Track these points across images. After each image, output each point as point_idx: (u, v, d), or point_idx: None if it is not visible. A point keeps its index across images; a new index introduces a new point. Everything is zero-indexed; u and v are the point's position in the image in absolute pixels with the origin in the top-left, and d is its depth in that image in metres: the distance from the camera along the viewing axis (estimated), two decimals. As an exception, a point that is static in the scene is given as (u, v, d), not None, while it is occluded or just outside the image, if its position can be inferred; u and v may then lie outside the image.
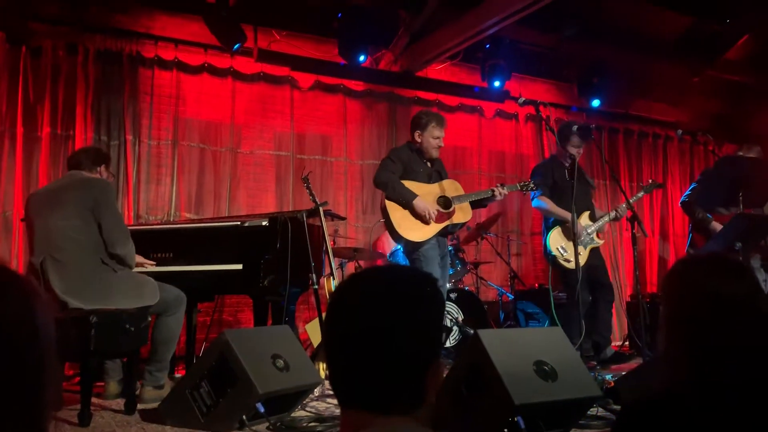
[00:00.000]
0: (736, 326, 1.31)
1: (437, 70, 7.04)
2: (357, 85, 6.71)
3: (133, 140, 5.67)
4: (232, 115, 6.13)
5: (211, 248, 4.27)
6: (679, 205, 5.50)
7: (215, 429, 3.00)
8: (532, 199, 5.22)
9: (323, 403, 3.65)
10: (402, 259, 5.09)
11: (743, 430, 1.26)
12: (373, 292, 1.13)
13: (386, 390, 1.08)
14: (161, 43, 5.82)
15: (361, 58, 6.20)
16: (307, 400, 3.51)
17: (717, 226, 5.01)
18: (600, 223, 5.20)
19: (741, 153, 5.31)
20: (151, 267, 4.09)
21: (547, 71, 7.62)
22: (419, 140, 4.52)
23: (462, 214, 4.49)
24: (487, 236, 6.52)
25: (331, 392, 3.63)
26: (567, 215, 4.94)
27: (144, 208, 5.67)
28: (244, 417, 2.94)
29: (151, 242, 4.32)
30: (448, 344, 5.56)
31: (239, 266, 4.16)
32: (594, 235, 5.17)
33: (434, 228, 4.37)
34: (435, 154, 4.56)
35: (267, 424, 3.05)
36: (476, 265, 6.33)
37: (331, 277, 4.78)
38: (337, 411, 3.10)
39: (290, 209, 6.09)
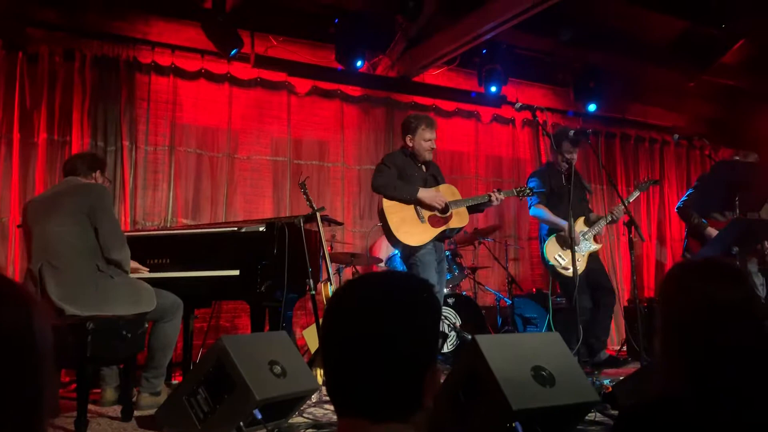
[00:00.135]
0: (732, 331, 1.31)
1: (434, 76, 7.05)
2: (354, 91, 6.72)
3: (129, 146, 5.67)
4: (229, 120, 6.14)
5: (208, 254, 4.26)
6: (676, 210, 5.51)
7: (212, 436, 2.98)
8: (530, 207, 5.23)
9: (320, 409, 3.64)
10: (400, 264, 5.09)
11: (740, 436, 1.26)
12: (370, 299, 1.13)
13: (384, 396, 1.08)
14: (158, 48, 5.83)
15: (358, 63, 6.21)
16: (304, 406, 3.51)
17: (712, 231, 5.02)
18: (597, 226, 5.20)
19: (738, 157, 5.32)
20: (146, 273, 4.08)
21: (544, 76, 7.64)
22: (411, 144, 4.51)
23: (459, 218, 4.48)
24: (485, 241, 6.53)
25: (328, 398, 3.63)
26: (562, 224, 4.95)
27: (141, 214, 5.66)
28: (241, 423, 2.93)
29: (148, 248, 4.31)
30: (445, 349, 5.55)
31: (236, 272, 4.15)
32: (591, 240, 5.17)
33: (431, 232, 4.36)
34: (428, 156, 4.55)
35: (264, 430, 3.04)
36: (474, 270, 6.33)
37: (329, 283, 4.77)
38: (335, 417, 3.09)
39: (287, 215, 6.08)
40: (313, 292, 4.30)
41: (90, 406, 3.39)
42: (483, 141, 7.43)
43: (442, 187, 4.57)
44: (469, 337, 5.12)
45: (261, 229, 4.22)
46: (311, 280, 4.30)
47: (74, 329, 3.20)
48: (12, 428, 0.85)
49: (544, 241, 5.14)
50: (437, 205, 4.32)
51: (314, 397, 3.71)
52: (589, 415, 3.06)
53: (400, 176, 4.42)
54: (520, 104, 4.57)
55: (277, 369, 3.12)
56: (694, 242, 5.24)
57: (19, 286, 0.93)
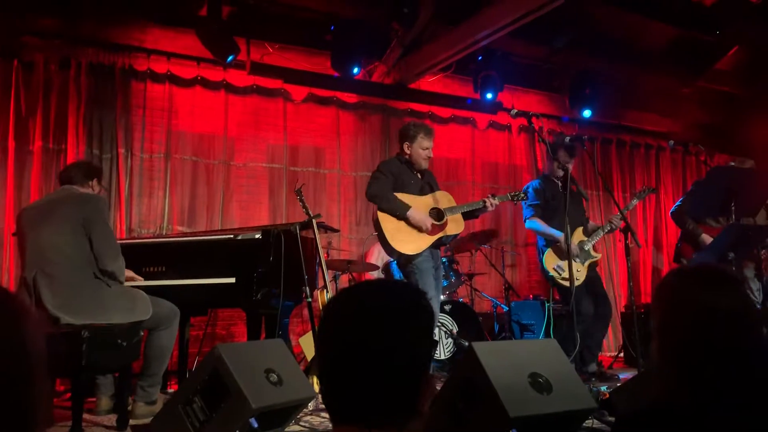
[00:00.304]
0: (727, 337, 1.31)
1: (430, 82, 7.07)
2: (350, 98, 6.73)
3: (125, 153, 5.66)
4: (225, 127, 6.13)
5: (203, 262, 4.25)
6: (670, 215, 5.52)
7: (208, 444, 2.96)
8: (525, 220, 5.23)
9: (317, 417, 3.63)
10: (397, 272, 5.08)
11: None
12: (365, 307, 1.13)
13: (379, 403, 1.08)
14: (154, 56, 5.82)
15: (355, 70, 6.22)
16: (300, 414, 3.49)
17: (707, 237, 5.03)
18: (595, 237, 5.20)
19: (734, 163, 5.34)
20: (141, 282, 4.06)
21: (539, 82, 7.66)
22: (408, 152, 4.50)
23: (455, 225, 4.48)
24: (482, 247, 6.52)
25: (324, 407, 3.61)
26: (559, 235, 4.95)
27: (136, 221, 5.65)
28: (237, 432, 2.92)
29: (143, 256, 4.29)
30: (442, 356, 5.54)
31: (232, 279, 4.14)
32: (591, 250, 5.17)
33: (428, 240, 4.35)
34: (425, 165, 4.55)
35: (260, 439, 3.02)
36: (470, 276, 6.32)
37: (325, 290, 4.76)
38: (331, 426, 3.08)
39: (283, 222, 6.07)
40: (310, 300, 4.29)
41: (85, 415, 3.37)
42: (479, 147, 7.44)
43: (438, 193, 4.57)
44: (466, 344, 5.11)
45: (257, 236, 4.21)
46: (307, 288, 4.29)
47: (69, 338, 3.19)
48: (4, 439, 0.84)
49: (543, 252, 5.14)
50: (423, 229, 4.31)
51: (311, 405, 3.69)
52: (587, 422, 3.05)
53: (396, 183, 4.41)
54: (516, 111, 4.57)
55: (274, 377, 3.11)
56: (688, 247, 5.25)
57: (10, 294, 0.92)
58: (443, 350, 5.56)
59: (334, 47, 6.18)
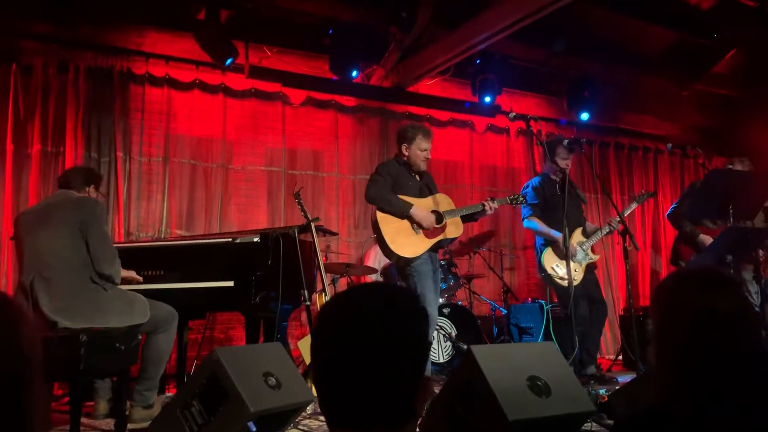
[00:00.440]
0: (725, 339, 1.31)
1: (428, 86, 7.08)
2: (348, 101, 6.73)
3: (123, 157, 5.66)
4: (223, 131, 6.13)
5: (202, 265, 4.24)
6: (666, 217, 5.52)
7: (206, 448, 2.96)
8: (523, 219, 5.22)
9: (315, 420, 3.62)
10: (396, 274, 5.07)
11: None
12: (362, 309, 1.12)
13: (377, 407, 1.08)
14: (152, 59, 5.83)
15: (353, 74, 6.23)
16: (299, 418, 3.48)
17: (705, 239, 5.02)
18: (594, 238, 5.20)
19: (731, 166, 5.34)
20: (138, 285, 4.05)
21: (537, 86, 7.68)
22: (407, 153, 4.47)
23: (454, 228, 4.46)
24: (480, 250, 6.52)
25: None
26: (557, 235, 4.95)
27: (135, 225, 5.64)
28: (235, 436, 2.91)
29: (141, 260, 4.28)
30: (441, 360, 5.54)
31: (231, 283, 4.13)
32: (589, 251, 5.17)
33: (427, 243, 4.33)
34: (423, 166, 4.52)
35: (259, 442, 3.01)
36: (469, 279, 6.32)
37: (323, 293, 4.76)
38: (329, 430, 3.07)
39: (282, 225, 6.07)
40: (308, 303, 4.28)
41: (83, 419, 3.36)
42: (477, 150, 7.44)
43: (438, 196, 4.54)
44: (465, 347, 5.11)
45: (255, 239, 4.21)
46: (306, 291, 4.29)
47: (67, 341, 3.18)
48: (1, 443, 0.84)
49: (541, 252, 5.14)
50: (425, 226, 4.31)
51: (309, 409, 3.69)
52: (586, 425, 3.05)
53: (394, 185, 4.39)
54: (514, 114, 4.57)
55: (272, 381, 3.10)
56: (686, 249, 5.24)
57: (7, 298, 0.92)
58: (442, 353, 5.55)
59: (333, 51, 6.19)
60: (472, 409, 2.69)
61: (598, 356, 5.47)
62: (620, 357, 6.39)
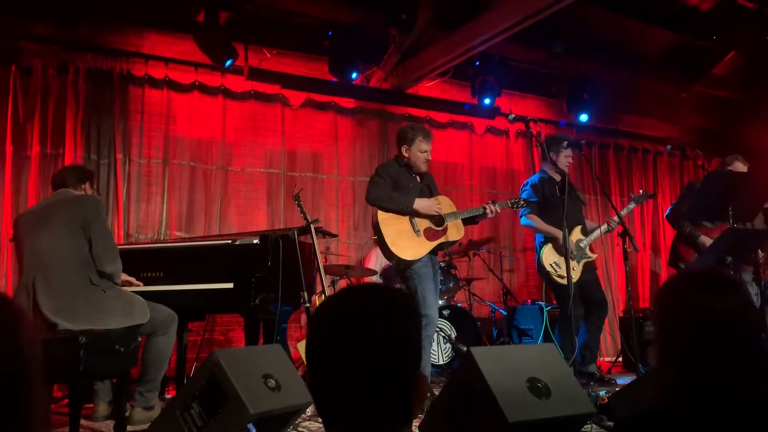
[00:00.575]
0: (726, 340, 1.31)
1: (428, 87, 7.08)
2: (348, 103, 6.74)
3: (123, 159, 5.66)
4: (222, 133, 6.13)
5: (201, 267, 4.24)
6: (666, 218, 5.52)
7: (206, 450, 2.95)
8: (521, 216, 5.21)
9: (315, 422, 3.62)
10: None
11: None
12: (358, 310, 1.13)
13: (374, 406, 1.08)
14: (152, 61, 5.83)
15: (353, 75, 6.23)
16: (299, 420, 3.48)
17: (706, 239, 5.02)
18: (592, 236, 5.20)
19: (730, 167, 5.34)
20: (138, 287, 4.05)
21: (537, 87, 7.68)
22: (406, 155, 4.42)
23: (456, 231, 4.43)
24: (480, 252, 6.52)
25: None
26: (555, 232, 4.94)
27: (134, 227, 5.64)
28: (235, 438, 2.91)
29: (141, 261, 4.28)
30: (440, 362, 5.53)
31: (230, 285, 4.13)
32: (587, 250, 5.17)
33: (428, 246, 4.29)
34: (423, 168, 4.48)
35: (258, 444, 3.01)
36: (469, 281, 6.32)
37: (323, 295, 4.75)
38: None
39: (281, 227, 6.08)
40: (308, 305, 4.27)
41: (83, 421, 3.36)
42: (477, 152, 7.45)
43: (440, 198, 4.52)
44: (465, 349, 5.10)
45: (255, 241, 4.21)
46: (306, 293, 4.28)
47: (67, 343, 3.17)
48: (1, 445, 0.84)
49: (541, 248, 5.12)
50: (434, 213, 4.27)
51: (309, 411, 3.68)
52: (586, 426, 3.05)
53: (394, 187, 4.35)
54: (513, 116, 4.55)
55: (272, 382, 3.10)
56: (686, 250, 5.24)
57: (7, 299, 0.92)
58: (441, 355, 5.55)
59: (332, 53, 6.20)
60: (472, 410, 2.69)
61: (598, 358, 5.47)
62: (620, 359, 6.39)
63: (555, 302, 5.62)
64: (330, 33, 6.15)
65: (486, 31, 5.77)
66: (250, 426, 2.90)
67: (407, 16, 6.04)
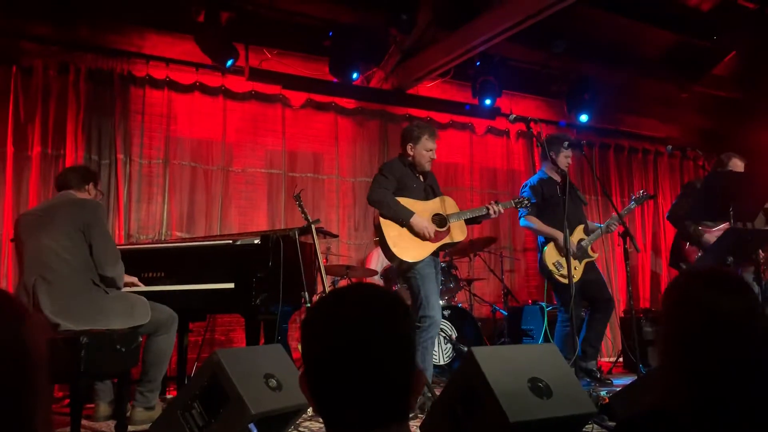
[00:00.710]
0: (734, 342, 1.31)
1: (428, 88, 7.08)
2: (348, 103, 6.74)
3: (124, 159, 5.66)
4: (223, 133, 6.14)
5: (202, 267, 4.25)
6: (667, 218, 5.51)
7: (207, 450, 2.95)
8: (520, 217, 5.20)
9: (316, 422, 3.62)
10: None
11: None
12: (356, 309, 1.13)
13: (378, 405, 1.08)
14: (152, 62, 5.83)
15: (353, 76, 6.23)
16: (300, 420, 3.48)
17: (710, 238, 5.02)
18: (593, 236, 5.20)
19: (730, 167, 5.34)
20: (140, 287, 4.05)
21: (537, 88, 7.68)
22: (411, 153, 4.37)
23: (459, 232, 4.39)
24: (480, 253, 6.52)
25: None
26: (555, 233, 4.94)
27: (135, 227, 5.64)
28: (236, 438, 2.91)
29: (142, 262, 4.29)
30: (441, 362, 5.53)
31: (231, 285, 4.13)
32: (588, 249, 5.17)
33: (430, 248, 4.25)
34: (428, 167, 4.43)
35: (260, 444, 3.01)
36: (469, 281, 6.32)
37: (324, 295, 4.75)
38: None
39: (282, 227, 6.08)
40: (309, 305, 4.27)
41: (84, 422, 3.36)
42: (477, 153, 7.45)
43: (444, 199, 4.49)
44: (465, 349, 5.10)
45: (256, 241, 4.21)
46: (306, 293, 4.28)
47: (68, 343, 3.18)
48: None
49: (543, 248, 5.12)
50: (426, 237, 4.23)
51: (310, 411, 3.68)
52: (587, 426, 3.05)
53: (399, 186, 4.30)
54: (514, 116, 4.54)
55: (273, 382, 3.10)
56: (689, 250, 5.23)
57: (12, 297, 0.92)
58: (442, 356, 5.55)
59: (333, 53, 6.20)
60: (473, 410, 2.69)
61: (599, 359, 5.46)
62: (620, 359, 6.39)
63: (556, 302, 5.62)
64: (330, 33, 6.15)
65: (486, 31, 5.77)
66: (252, 426, 2.90)
67: (408, 16, 6.04)
